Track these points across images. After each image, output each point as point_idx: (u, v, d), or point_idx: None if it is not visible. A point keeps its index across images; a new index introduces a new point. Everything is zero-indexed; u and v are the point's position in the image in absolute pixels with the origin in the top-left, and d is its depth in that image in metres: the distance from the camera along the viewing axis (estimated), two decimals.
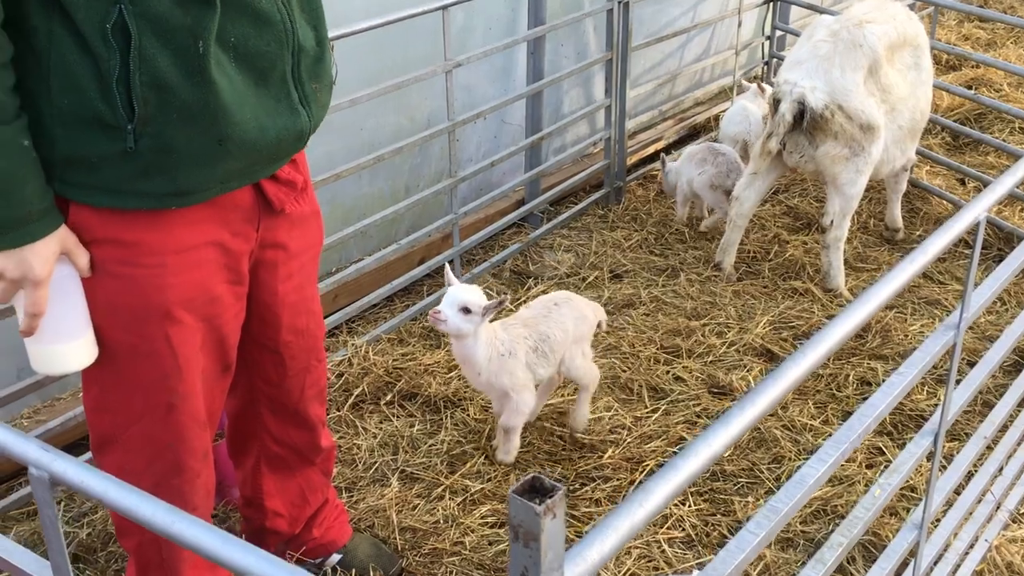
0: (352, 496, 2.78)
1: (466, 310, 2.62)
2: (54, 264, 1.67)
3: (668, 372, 3.39)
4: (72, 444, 2.89)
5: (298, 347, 2.18)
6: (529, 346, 2.82)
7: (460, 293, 2.64)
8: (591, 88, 4.91)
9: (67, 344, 1.73)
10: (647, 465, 2.93)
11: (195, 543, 1.02)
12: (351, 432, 3.04)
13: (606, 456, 2.96)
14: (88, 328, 1.76)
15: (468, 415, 3.12)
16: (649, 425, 3.12)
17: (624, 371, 3.39)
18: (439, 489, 2.81)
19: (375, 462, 2.92)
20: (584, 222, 4.56)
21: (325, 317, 3.48)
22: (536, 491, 0.84)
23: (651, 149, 5.24)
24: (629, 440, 3.04)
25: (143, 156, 1.66)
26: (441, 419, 3.11)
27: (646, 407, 3.22)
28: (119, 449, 1.95)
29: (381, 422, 3.09)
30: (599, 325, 3.04)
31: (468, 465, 2.91)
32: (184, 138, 1.67)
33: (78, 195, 1.70)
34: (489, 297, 2.74)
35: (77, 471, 1.12)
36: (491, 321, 2.77)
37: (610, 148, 4.67)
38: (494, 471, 2.89)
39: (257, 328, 2.09)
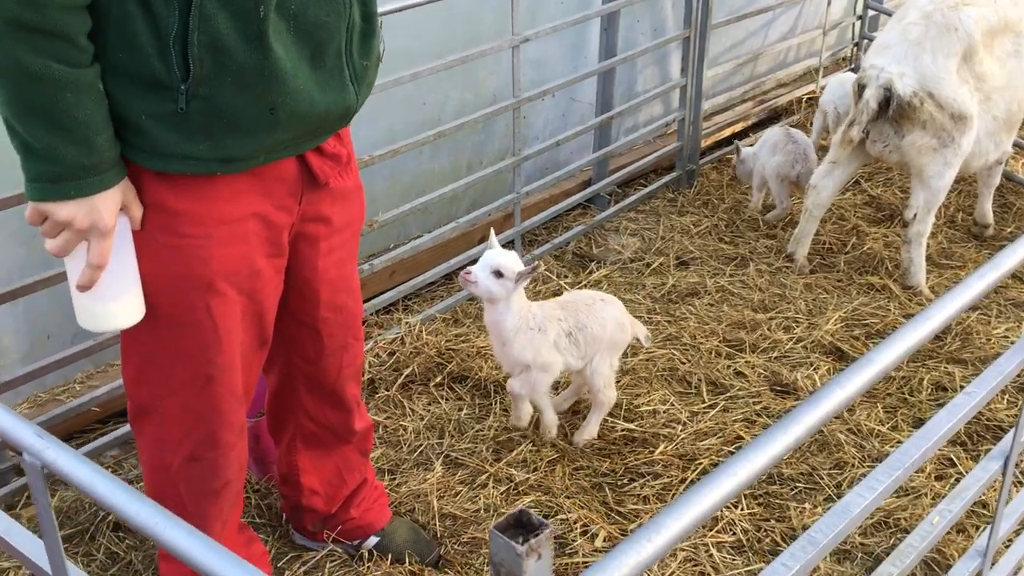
0: (395, 479, 2.74)
1: (498, 274, 2.56)
2: (118, 216, 1.65)
3: (729, 367, 3.26)
4: (124, 410, 2.91)
5: (336, 324, 2.14)
6: (563, 328, 2.74)
7: (495, 256, 2.57)
8: (667, 67, 4.74)
9: (120, 300, 1.70)
10: (700, 463, 2.81)
11: (174, 545, 0.96)
12: (398, 413, 2.99)
13: (658, 451, 2.85)
14: (138, 284, 1.73)
15: None
16: (705, 421, 2.99)
17: (683, 363, 3.27)
18: (483, 477, 2.75)
19: (420, 445, 2.87)
20: (652, 205, 4.42)
21: (381, 293, 3.45)
22: (522, 527, 0.75)
23: (728, 131, 5.06)
24: (683, 436, 2.92)
25: (192, 119, 1.62)
26: (490, 404, 3.04)
27: (704, 402, 3.09)
28: (156, 420, 1.94)
29: (429, 404, 3.03)
30: (638, 340, 2.95)
31: (514, 453, 2.84)
32: (236, 104, 1.63)
33: (127, 154, 1.67)
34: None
35: (68, 460, 1.07)
36: (527, 291, 2.69)
37: (683, 129, 4.51)
38: (540, 460, 2.81)
39: (296, 303, 2.05)
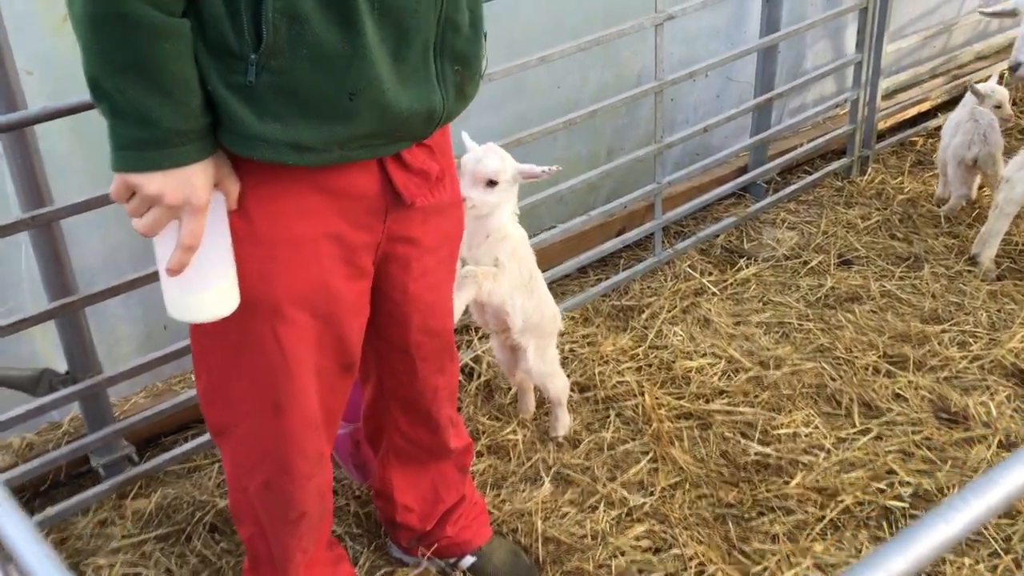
0: (499, 494, 2.57)
1: (491, 183, 2.26)
2: (212, 192, 1.49)
3: (888, 387, 2.88)
4: None
5: (430, 348, 1.97)
6: (528, 266, 2.46)
7: (482, 165, 2.24)
8: (841, 41, 4.28)
9: (215, 286, 1.53)
10: (842, 501, 2.48)
11: None
12: (512, 422, 2.82)
13: (794, 483, 2.54)
14: (234, 268, 1.55)
15: (638, 413, 2.80)
16: (853, 450, 2.65)
17: (833, 380, 2.91)
18: (594, 498, 2.53)
19: (531, 457, 2.69)
20: (817, 195, 4.01)
21: None
22: None
23: (912, 111, 4.53)
24: (825, 465, 2.60)
25: (261, 95, 1.44)
26: (609, 414, 2.82)
27: (854, 426, 2.74)
28: (231, 441, 1.84)
29: (545, 413, 2.84)
30: None
31: (632, 471, 2.60)
32: (311, 82, 1.44)
33: None
34: None
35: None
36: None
37: (857, 111, 4.05)
38: (658, 483, 2.56)
39: (386, 326, 1.90)
